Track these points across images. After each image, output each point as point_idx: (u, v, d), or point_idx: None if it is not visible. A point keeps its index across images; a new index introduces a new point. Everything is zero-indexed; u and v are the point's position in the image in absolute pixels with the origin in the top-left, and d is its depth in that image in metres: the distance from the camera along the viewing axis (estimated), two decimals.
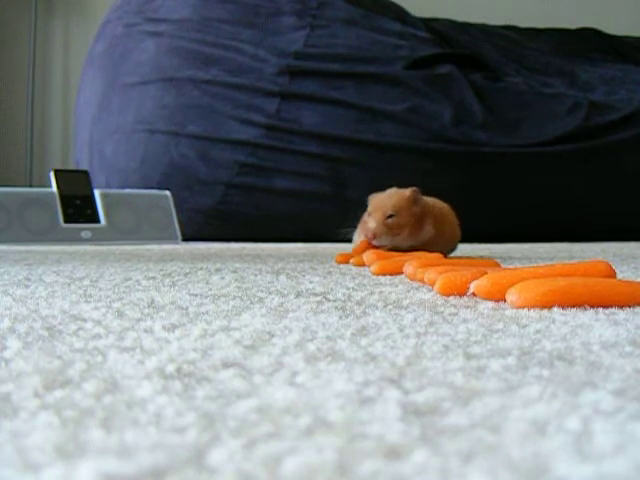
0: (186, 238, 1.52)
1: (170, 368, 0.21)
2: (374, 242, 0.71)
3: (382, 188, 0.78)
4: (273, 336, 0.27)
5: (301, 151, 1.56)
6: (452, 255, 0.82)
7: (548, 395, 0.18)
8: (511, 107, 1.64)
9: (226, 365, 0.21)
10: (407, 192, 0.73)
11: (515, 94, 1.65)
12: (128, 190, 1.48)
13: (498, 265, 0.55)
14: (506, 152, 1.60)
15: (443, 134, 1.57)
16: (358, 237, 0.77)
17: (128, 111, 1.66)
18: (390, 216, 0.71)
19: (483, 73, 1.68)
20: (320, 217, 1.56)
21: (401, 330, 0.28)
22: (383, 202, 0.72)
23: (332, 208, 1.53)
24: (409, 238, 0.72)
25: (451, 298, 0.39)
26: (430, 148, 1.56)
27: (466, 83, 1.62)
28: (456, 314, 0.33)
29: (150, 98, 1.63)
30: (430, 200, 0.77)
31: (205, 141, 1.59)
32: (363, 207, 0.76)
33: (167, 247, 1.25)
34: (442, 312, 0.34)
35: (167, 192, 1.48)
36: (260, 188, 1.58)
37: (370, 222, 0.71)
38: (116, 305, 0.36)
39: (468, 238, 1.33)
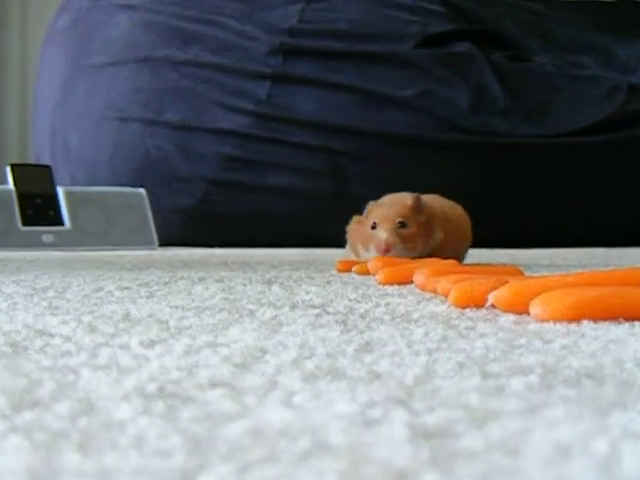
0: (164, 243, 1.53)
1: (151, 388, 0.21)
2: (387, 254, 0.71)
3: (389, 184, 0.80)
4: (266, 353, 0.27)
5: (296, 142, 1.57)
6: (469, 262, 0.83)
7: (574, 416, 0.19)
8: (537, 91, 1.65)
9: (214, 384, 0.22)
10: (409, 200, 0.74)
11: (542, 76, 1.67)
12: (96, 187, 1.49)
13: (521, 273, 0.56)
14: (531, 143, 1.61)
15: (459, 123, 1.58)
16: (352, 250, 0.77)
17: (96, 96, 1.67)
18: (401, 225, 0.72)
19: (505, 52, 1.69)
20: (318, 218, 1.57)
21: (410, 346, 0.29)
22: (388, 210, 0.73)
23: (332, 208, 1.54)
24: (423, 249, 0.74)
25: (467, 310, 0.40)
26: (444, 139, 1.57)
27: (485, 64, 1.63)
28: (473, 328, 0.34)
29: (122, 81, 1.64)
30: (430, 198, 0.78)
31: (185, 131, 1.60)
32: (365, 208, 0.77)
33: (142, 253, 1.26)
34: (457, 326, 0.34)
35: (141, 190, 1.49)
36: (249, 185, 1.59)
37: (380, 232, 0.72)
38: (87, 319, 0.36)
39: (487, 243, 1.35)
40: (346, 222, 0.82)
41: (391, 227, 0.72)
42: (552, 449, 0.16)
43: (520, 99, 1.63)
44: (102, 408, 0.19)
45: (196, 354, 0.27)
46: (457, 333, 0.32)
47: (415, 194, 0.75)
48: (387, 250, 0.71)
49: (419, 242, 0.73)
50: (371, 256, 0.73)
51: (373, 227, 0.73)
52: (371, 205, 0.76)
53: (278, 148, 1.57)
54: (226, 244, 1.58)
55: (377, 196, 0.79)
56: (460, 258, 0.78)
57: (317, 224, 1.56)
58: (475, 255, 0.91)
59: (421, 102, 1.58)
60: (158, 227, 1.50)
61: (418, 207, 0.74)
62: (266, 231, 1.61)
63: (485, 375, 0.23)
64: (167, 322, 0.35)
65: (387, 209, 0.74)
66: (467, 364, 0.25)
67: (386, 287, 0.56)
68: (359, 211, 0.81)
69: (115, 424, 0.18)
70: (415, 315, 0.38)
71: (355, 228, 0.78)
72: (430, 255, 0.73)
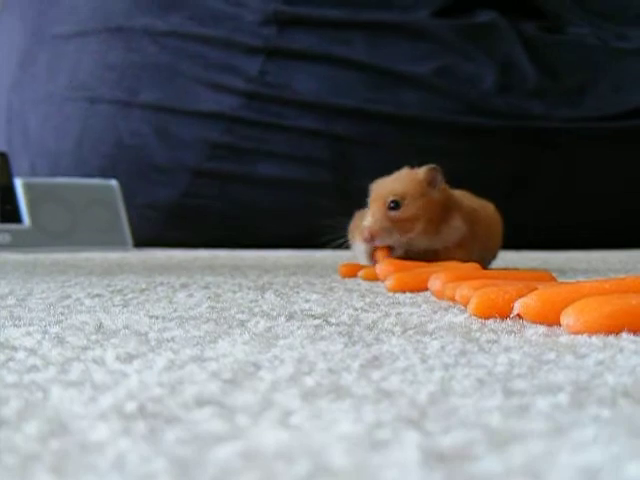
0: (139, 243, 1.54)
1: (130, 406, 0.22)
2: (373, 243, 0.71)
3: None
4: (259, 368, 0.28)
5: (293, 127, 1.58)
6: (493, 267, 0.84)
7: (605, 438, 0.20)
8: (575, 67, 1.66)
9: (201, 403, 0.23)
10: (420, 172, 0.73)
11: (581, 50, 1.68)
12: (60, 179, 1.50)
13: (553, 279, 0.57)
14: (568, 128, 1.62)
15: (483, 104, 1.59)
16: (354, 241, 0.78)
17: (60, 72, 1.69)
18: (394, 205, 0.71)
19: (537, 22, 1.70)
20: (319, 215, 1.58)
21: (424, 361, 0.30)
22: (385, 187, 0.73)
23: (335, 203, 1.55)
24: (425, 236, 0.72)
25: (490, 321, 0.41)
26: (465, 123, 1.58)
27: (514, 35, 1.64)
28: (496, 341, 0.35)
29: (90, 55, 1.65)
30: (458, 193, 0.79)
31: (164, 113, 1.61)
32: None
33: (114, 255, 1.27)
34: (478, 339, 0.35)
35: (113, 182, 1.51)
36: (238, 177, 1.60)
37: (366, 219, 0.71)
38: (54, 330, 0.37)
39: (517, 244, 1.35)
40: (350, 220, 0.82)
41: (379, 209, 0.71)
42: (579, 474, 0.17)
43: (555, 77, 1.64)
44: (76, 428, 0.20)
45: (180, 369, 0.28)
46: (477, 347, 0.33)
47: (434, 165, 0.74)
48: (371, 239, 0.70)
49: (418, 225, 0.71)
50: (362, 250, 0.73)
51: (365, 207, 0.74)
52: (374, 182, 0.76)
53: (272, 133, 1.59)
54: (212, 245, 1.60)
55: None
56: (485, 264, 0.79)
57: (318, 222, 1.58)
58: (501, 258, 0.91)
59: (439, 80, 1.59)
60: (132, 225, 1.51)
61: (431, 180, 0.73)
62: (258, 230, 1.62)
63: (508, 393, 0.24)
64: (146, 334, 0.36)
65: (384, 185, 0.73)
66: (488, 381, 0.26)
67: (397, 295, 0.56)
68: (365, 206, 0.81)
69: (92, 446, 0.19)
70: (430, 326, 0.39)
71: (356, 223, 0.79)
72: (439, 254, 0.73)
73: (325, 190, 1.60)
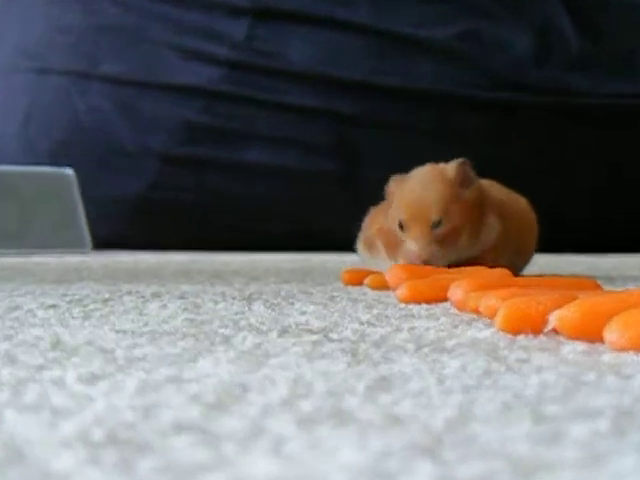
0: (100, 244, 1.55)
1: (98, 433, 0.23)
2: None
3: (416, 163, 0.81)
4: (248, 390, 0.29)
5: (285, 104, 1.59)
6: (527, 273, 0.85)
7: None
8: (627, 34, 1.67)
9: (179, 429, 0.24)
10: (449, 171, 0.75)
11: (634, 11, 1.68)
12: (5, 167, 1.51)
13: (598, 287, 0.58)
14: (617, 105, 1.62)
15: (517, 77, 1.60)
16: (368, 255, 0.79)
17: (3, 38, 1.69)
18: (437, 223, 0.74)
19: None
20: (317, 211, 1.59)
21: (441, 382, 0.31)
22: (420, 200, 0.74)
23: (337, 196, 1.56)
24: (469, 244, 0.75)
25: (520, 337, 0.42)
26: (492, 99, 1.59)
27: None
28: (526, 360, 0.36)
29: (40, 17, 1.66)
30: (485, 183, 0.80)
31: (129, 87, 1.62)
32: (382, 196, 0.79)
33: (71, 259, 1.27)
34: (505, 357, 0.36)
35: (68, 170, 1.51)
36: (219, 164, 1.61)
37: (410, 242, 0.73)
38: (3, 346, 0.38)
39: (553, 245, 1.36)
40: (356, 215, 0.83)
41: (424, 231, 0.73)
42: None
43: (603, 43, 1.65)
44: (36, 457, 0.21)
45: (154, 392, 0.29)
46: (505, 366, 0.34)
47: (462, 160, 0.76)
48: (426, 263, 0.73)
49: (464, 235, 0.74)
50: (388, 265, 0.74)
51: (400, 227, 0.74)
52: (394, 183, 0.77)
53: (260, 112, 1.59)
54: (188, 247, 1.60)
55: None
56: (516, 269, 0.79)
57: (316, 219, 1.58)
58: (538, 263, 0.92)
59: (460, 47, 1.60)
60: (91, 223, 1.52)
61: (463, 179, 0.75)
62: (244, 229, 1.63)
63: (538, 419, 0.25)
64: (112, 351, 0.37)
65: (418, 196, 0.75)
66: (515, 405, 0.27)
67: (411, 306, 0.57)
68: (375, 200, 0.82)
69: (55, 476, 0.20)
70: (449, 343, 0.40)
71: (374, 223, 0.80)
72: (475, 260, 0.74)
73: (324, 181, 1.61)
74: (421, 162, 0.80)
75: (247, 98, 1.60)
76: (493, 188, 0.82)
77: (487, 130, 1.60)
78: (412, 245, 0.73)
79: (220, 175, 1.62)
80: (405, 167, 0.81)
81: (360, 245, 0.85)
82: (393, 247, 0.77)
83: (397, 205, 0.75)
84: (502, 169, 1.05)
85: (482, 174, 0.82)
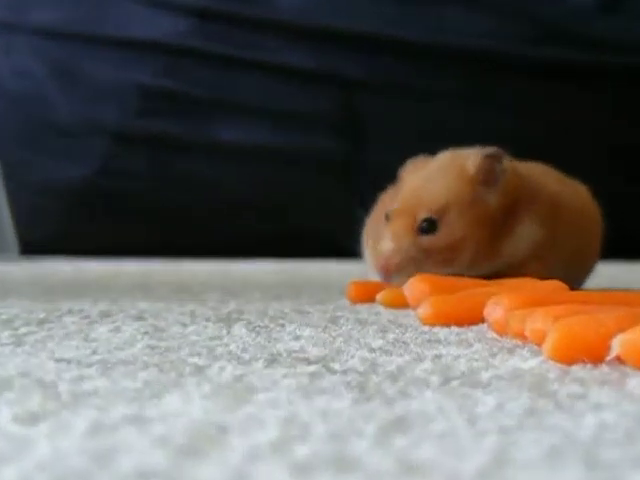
0: (30, 249, 1.55)
1: None
2: (390, 280, 0.73)
3: (440, 142, 0.81)
4: (228, 432, 0.29)
5: (271, 65, 1.59)
6: (585, 285, 0.85)
7: None
8: None
9: (143, 477, 0.24)
10: (470, 164, 0.75)
11: None
12: None
13: None
14: None
15: (575, 30, 1.60)
16: (370, 255, 0.79)
17: None
18: (427, 226, 0.73)
19: None
20: (313, 205, 1.59)
21: (472, 423, 0.31)
22: (418, 189, 0.75)
23: (339, 185, 1.57)
24: (475, 264, 0.75)
25: (575, 367, 0.42)
26: (544, 59, 1.59)
27: None
28: (582, 396, 0.36)
29: None
30: (533, 170, 0.80)
31: (68, 43, 1.62)
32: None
33: None
34: (555, 393, 0.37)
35: None
36: (186, 143, 1.61)
37: (384, 239, 0.73)
38: None
39: (624, 252, 1.36)
40: (364, 210, 0.84)
41: (405, 229, 0.73)
42: None
43: None
44: None
45: (110, 434, 0.29)
46: (554, 404, 0.34)
47: (490, 150, 0.75)
48: (387, 274, 0.72)
49: (464, 252, 0.73)
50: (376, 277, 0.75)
51: (386, 218, 0.74)
52: (409, 167, 0.78)
53: (238, 75, 1.60)
54: (145, 251, 1.60)
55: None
56: (573, 281, 0.79)
57: (311, 216, 1.59)
58: (600, 274, 0.92)
59: None
60: (19, 221, 1.52)
61: (489, 178, 0.74)
62: (218, 228, 1.63)
63: (593, 464, 0.26)
64: (54, 385, 0.37)
65: (417, 187, 0.75)
66: (565, 449, 0.27)
67: (436, 329, 0.58)
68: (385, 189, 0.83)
69: None
70: (484, 375, 0.41)
71: (374, 223, 0.80)
72: (518, 274, 0.74)
73: (322, 165, 1.61)
74: (446, 142, 0.80)
75: (221, 57, 1.60)
76: (544, 175, 0.82)
77: (535, 97, 1.60)
78: (384, 244, 0.73)
79: (186, 157, 1.62)
80: (426, 147, 0.81)
81: (364, 246, 0.85)
82: (373, 250, 0.76)
83: (398, 191, 0.76)
84: (554, 149, 1.05)
85: (527, 155, 0.82)
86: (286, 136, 1.60)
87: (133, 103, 1.61)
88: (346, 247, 0.89)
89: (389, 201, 0.79)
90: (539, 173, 0.80)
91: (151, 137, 1.62)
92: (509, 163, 0.76)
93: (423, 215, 0.73)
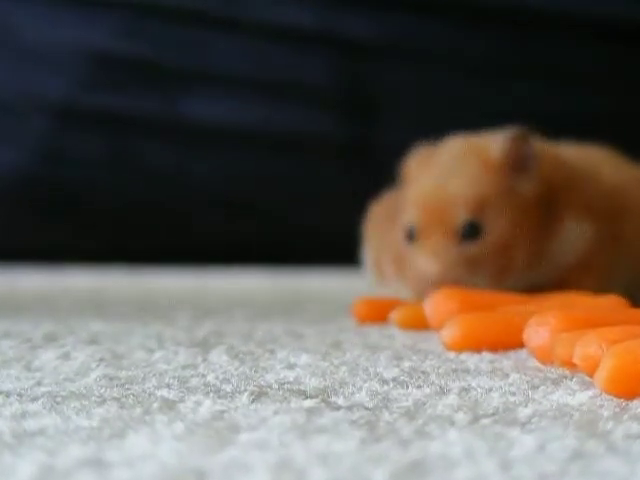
0: None
1: None
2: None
3: (466, 121, 0.82)
4: (206, 478, 0.31)
5: (258, 24, 1.60)
6: None
7: None
8: None
9: None
10: (493, 148, 0.76)
11: None
12: None
13: None
14: None
15: None
16: (376, 276, 0.80)
17: None
18: (469, 230, 0.74)
19: None
20: (310, 201, 1.59)
21: (506, 468, 0.32)
22: (441, 187, 0.75)
23: (341, 176, 1.57)
24: (532, 267, 0.76)
25: (635, 402, 0.43)
26: (600, 18, 1.60)
27: None
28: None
29: None
30: (578, 153, 0.81)
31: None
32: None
33: None
34: (609, 433, 0.37)
35: None
36: (149, 122, 1.62)
37: (420, 258, 0.73)
38: None
39: None
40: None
41: (445, 240, 0.73)
42: None
43: None
44: None
45: (64, 477, 0.31)
46: (606, 445, 0.35)
47: (516, 130, 0.76)
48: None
49: (517, 254, 0.74)
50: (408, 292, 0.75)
51: (410, 237, 0.75)
52: (417, 159, 0.78)
53: (219, 37, 1.60)
54: (99, 258, 1.60)
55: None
56: (635, 296, 0.79)
57: (308, 215, 1.59)
58: None
59: None
60: None
61: (518, 160, 0.75)
62: (191, 230, 1.64)
63: None
64: None
65: (436, 183, 0.75)
66: None
67: (463, 355, 0.58)
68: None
69: None
70: (523, 412, 0.42)
71: (380, 220, 0.81)
72: (556, 284, 0.75)
73: (321, 151, 1.61)
74: (475, 118, 0.81)
75: (194, 14, 1.61)
76: (601, 163, 0.82)
77: (587, 64, 1.61)
78: (424, 263, 0.73)
79: (150, 141, 1.63)
80: (451, 126, 0.81)
81: (366, 259, 0.85)
82: (398, 262, 0.77)
83: (409, 198, 0.76)
84: (614, 128, 1.06)
85: (578, 137, 0.83)
86: (276, 114, 1.60)
87: (84, 72, 1.62)
88: (353, 256, 0.89)
89: (395, 207, 0.79)
90: (590, 158, 0.81)
91: (106, 115, 1.62)
92: (540, 145, 0.77)
93: (462, 217, 0.73)
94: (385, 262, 0.80)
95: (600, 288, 0.71)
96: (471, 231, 0.73)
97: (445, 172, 0.76)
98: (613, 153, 0.84)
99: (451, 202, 0.74)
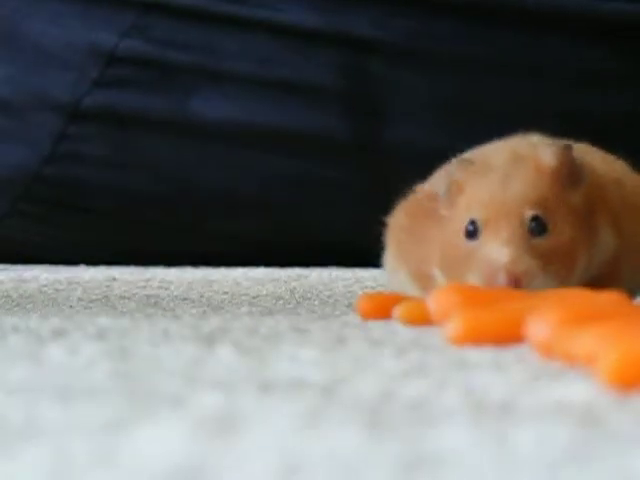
0: None
1: None
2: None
3: (476, 122, 0.82)
4: (212, 474, 0.30)
5: (265, 23, 1.60)
6: None
7: None
8: None
9: None
10: (547, 157, 0.75)
11: None
12: None
13: None
14: None
15: None
16: (418, 287, 0.80)
17: None
18: (537, 224, 0.73)
19: None
20: (315, 199, 1.59)
21: (508, 460, 0.33)
22: (503, 188, 0.75)
23: (347, 174, 1.57)
24: (587, 267, 0.76)
25: (637, 395, 0.43)
26: (613, 15, 1.59)
27: None
28: None
29: None
30: (593, 159, 0.81)
31: None
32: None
33: None
34: (609, 425, 0.38)
35: None
36: (157, 121, 1.61)
37: (491, 248, 0.73)
38: None
39: None
40: (380, 207, 0.85)
41: (516, 233, 0.73)
42: None
43: None
44: None
45: (70, 474, 0.31)
46: (607, 438, 0.36)
47: (562, 142, 0.76)
48: (517, 285, 0.72)
49: (580, 257, 0.75)
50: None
51: (471, 233, 0.74)
52: (459, 170, 0.78)
53: (227, 36, 1.60)
54: (106, 257, 1.60)
55: (454, 149, 0.81)
56: (635, 292, 0.80)
57: (313, 213, 1.59)
58: None
59: None
60: None
61: (572, 173, 0.75)
62: (197, 228, 1.63)
63: None
64: (3, 415, 0.39)
65: (498, 185, 0.75)
66: None
67: (466, 350, 0.58)
68: (413, 181, 0.84)
69: None
70: (524, 404, 0.42)
71: (410, 224, 0.81)
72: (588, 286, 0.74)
73: (327, 149, 1.61)
74: (486, 119, 0.81)
75: (203, 13, 1.60)
76: (625, 177, 0.83)
77: (601, 64, 1.60)
78: (496, 252, 0.72)
79: (158, 140, 1.62)
80: (461, 126, 0.81)
81: (393, 269, 0.85)
82: (457, 262, 0.75)
83: (464, 201, 0.75)
84: (623, 129, 1.05)
85: (591, 139, 0.83)
86: (279, 113, 1.60)
87: (91, 70, 1.62)
88: (357, 253, 0.89)
89: (427, 216, 0.79)
90: (598, 161, 0.81)
91: (114, 114, 1.62)
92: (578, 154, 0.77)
93: (529, 212, 0.73)
94: (429, 269, 0.79)
95: (614, 286, 0.71)
96: (538, 227, 0.73)
97: (504, 176, 0.75)
98: (622, 164, 0.84)
99: (517, 198, 0.74)
